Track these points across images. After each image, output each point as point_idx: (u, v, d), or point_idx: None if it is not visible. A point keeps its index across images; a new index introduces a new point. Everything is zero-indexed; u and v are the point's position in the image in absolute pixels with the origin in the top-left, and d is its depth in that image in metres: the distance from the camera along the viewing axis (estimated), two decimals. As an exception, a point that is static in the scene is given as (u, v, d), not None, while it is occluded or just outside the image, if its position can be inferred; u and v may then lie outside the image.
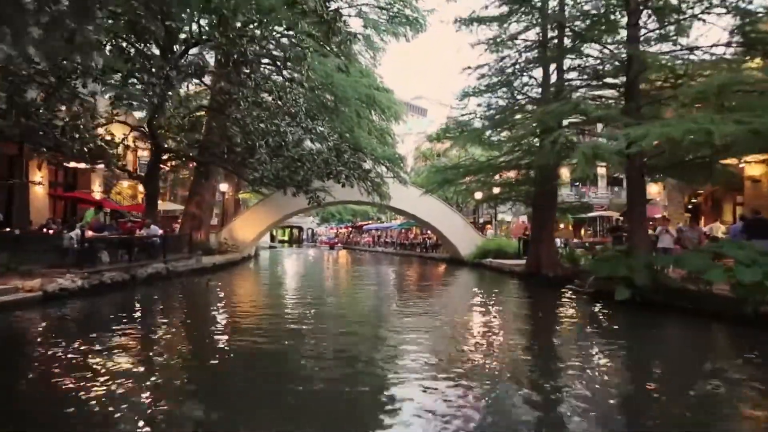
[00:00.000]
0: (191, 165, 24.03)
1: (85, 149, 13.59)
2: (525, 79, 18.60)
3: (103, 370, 5.90)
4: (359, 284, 18.60)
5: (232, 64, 14.89)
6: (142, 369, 6.21)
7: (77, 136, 12.89)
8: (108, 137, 15.30)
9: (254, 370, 6.34)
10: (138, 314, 10.24)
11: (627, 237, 13.05)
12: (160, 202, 37.55)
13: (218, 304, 12.12)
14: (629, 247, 11.96)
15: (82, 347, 7.06)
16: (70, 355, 6.60)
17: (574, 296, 13.20)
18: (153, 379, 5.80)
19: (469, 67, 17.30)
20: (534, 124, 12.17)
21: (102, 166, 23.23)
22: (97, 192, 27.88)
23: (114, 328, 8.52)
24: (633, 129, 8.69)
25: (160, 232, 16.76)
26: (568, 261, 17.73)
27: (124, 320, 9.46)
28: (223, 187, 31.29)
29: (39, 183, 23.97)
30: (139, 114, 21.64)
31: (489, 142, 19.72)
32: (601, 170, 34.53)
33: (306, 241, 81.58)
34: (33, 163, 23.37)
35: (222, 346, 7.67)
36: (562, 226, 38.27)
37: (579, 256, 18.19)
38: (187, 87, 20.09)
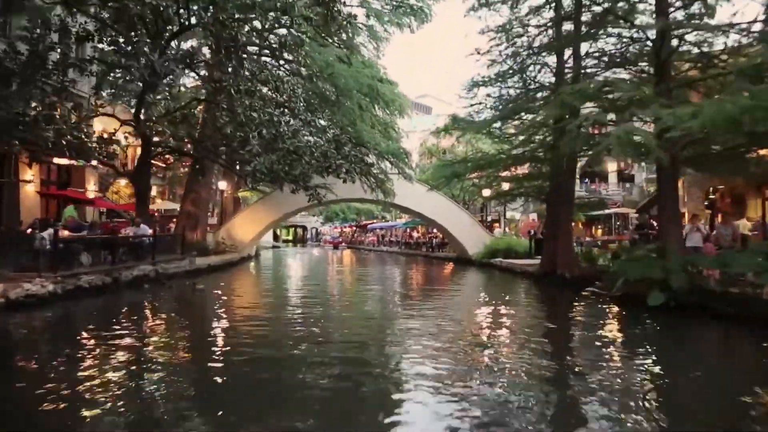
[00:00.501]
0: (188, 162, 22.93)
1: (63, 141, 12.50)
2: (538, 67, 17.44)
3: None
4: (362, 288, 17.45)
5: (224, 50, 13.79)
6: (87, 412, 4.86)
7: (53, 127, 11.79)
8: (87, 129, 14.15)
9: (234, 405, 5.17)
10: (106, 326, 9.00)
11: (658, 235, 11.82)
12: (159, 201, 36.68)
13: (203, 312, 10.98)
14: (661, 247, 10.73)
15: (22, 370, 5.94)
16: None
17: (598, 300, 11.98)
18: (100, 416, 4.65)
19: (478, 52, 16.11)
20: (556, 107, 10.90)
21: (95, 162, 22.39)
22: (91, 191, 26.95)
23: (69, 344, 7.38)
24: (679, 108, 7.49)
25: (150, 231, 15.66)
26: (586, 260, 16.50)
27: (86, 334, 8.15)
28: (222, 185, 30.24)
29: (29, 182, 23.09)
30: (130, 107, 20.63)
31: (499, 135, 18.53)
32: (612, 165, 33.33)
33: (310, 241, 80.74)
34: (24, 161, 22.46)
35: (198, 371, 6.44)
36: (572, 223, 37.01)
37: (597, 256, 16.97)
38: (181, 80, 18.98)
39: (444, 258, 32.46)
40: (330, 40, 22.14)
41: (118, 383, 5.51)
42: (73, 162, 25.14)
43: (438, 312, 11.08)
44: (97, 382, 5.46)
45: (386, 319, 10.29)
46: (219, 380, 5.79)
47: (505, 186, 22.19)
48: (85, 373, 5.78)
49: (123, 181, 35.60)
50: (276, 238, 70.54)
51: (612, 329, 9.19)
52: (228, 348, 7.40)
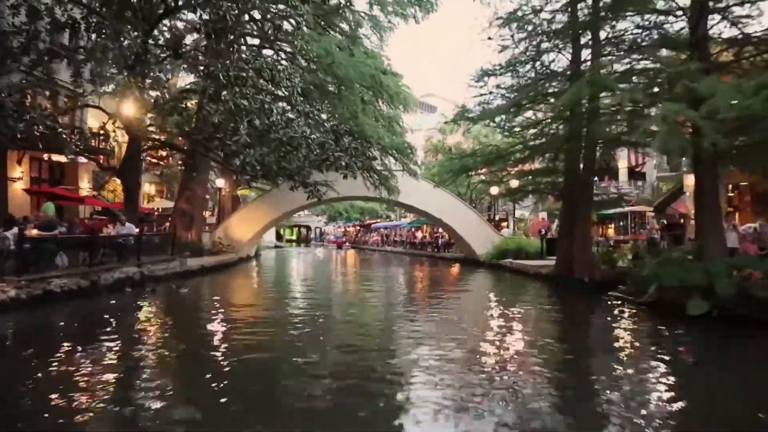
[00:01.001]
0: (184, 158, 21.82)
1: (36, 133, 11.40)
2: (552, 55, 16.25)
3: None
4: (367, 292, 16.28)
5: (213, 33, 12.65)
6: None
7: (23, 117, 10.69)
8: (69, 120, 13.03)
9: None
10: (66, 338, 7.88)
11: (697, 235, 10.57)
12: (158, 199, 35.69)
13: (178, 322, 9.77)
14: (699, 249, 9.49)
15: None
16: None
17: (625, 307, 10.74)
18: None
19: (489, 38, 14.92)
20: (584, 88, 9.63)
21: (81, 158, 21.32)
22: (85, 189, 25.93)
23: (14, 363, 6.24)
24: (753, 75, 6.27)
25: (136, 230, 14.55)
26: (605, 262, 15.27)
27: (38, 350, 6.81)
28: (220, 182, 29.18)
29: (18, 179, 22.09)
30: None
31: (510, 128, 17.29)
32: (622, 163, 31.93)
33: (314, 241, 79.79)
34: (12, 158, 21.46)
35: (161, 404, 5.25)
36: (591, 222, 35.58)
37: (616, 257, 15.73)
38: (171, 71, 17.84)
39: (450, 258, 31.23)
40: (331, 32, 21.00)
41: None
42: (61, 158, 24.28)
43: (448, 320, 9.90)
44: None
45: (392, 332, 9.08)
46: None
47: (514, 184, 21.02)
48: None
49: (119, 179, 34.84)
50: (279, 237, 69.95)
51: (651, 344, 7.88)
52: (203, 374, 6.24)
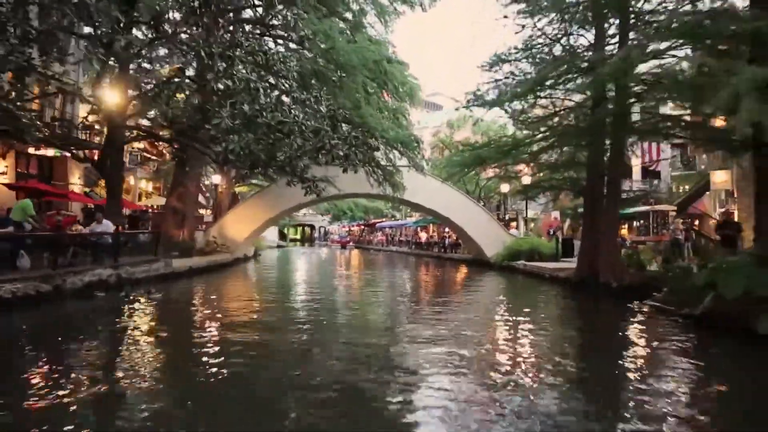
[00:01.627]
0: (173, 151, 20.42)
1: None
2: (573, 38, 14.72)
3: None
4: (371, 297, 14.83)
5: (198, 7, 11.23)
6: None
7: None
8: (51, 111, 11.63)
9: None
10: None
11: (757, 237, 9.01)
12: (155, 196, 34.35)
13: (139, 337, 8.30)
14: (763, 253, 7.93)
15: None
16: None
17: (667, 320, 9.18)
18: None
19: (506, 17, 13.40)
20: (627, 57, 8.07)
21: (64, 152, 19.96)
22: (76, 185, 24.62)
23: None
24: None
25: (113, 228, 13.14)
26: (631, 265, 13.72)
27: None
28: (216, 179, 27.81)
29: (2, 173, 20.88)
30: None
31: (525, 120, 15.71)
32: (635, 161, 30.23)
33: (318, 240, 78.79)
34: (-3, 152, 20.25)
35: None
36: (619, 222, 33.86)
37: (645, 260, 14.17)
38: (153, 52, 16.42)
39: (458, 260, 29.72)
40: (333, 19, 19.53)
41: None
42: (48, 152, 22.95)
43: (460, 332, 8.41)
44: None
45: (401, 355, 7.61)
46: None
47: (527, 180, 19.45)
48: None
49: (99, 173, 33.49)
50: (283, 237, 69.12)
51: (717, 372, 6.31)
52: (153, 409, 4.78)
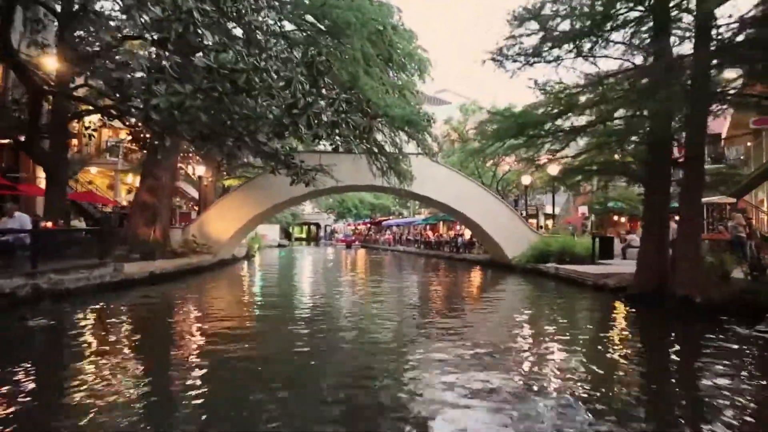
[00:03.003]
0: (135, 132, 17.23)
1: None
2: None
3: None
4: (379, 312, 11.61)
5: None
6: None
7: None
8: None
9: None
10: None
11: None
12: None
13: None
14: None
15: None
16: None
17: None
18: None
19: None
20: None
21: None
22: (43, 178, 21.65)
23: None
24: None
25: (29, 224, 10.04)
26: (715, 273, 10.36)
27: None
28: (200, 170, 24.70)
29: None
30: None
31: (563, 91, 12.27)
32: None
33: (324, 239, 76.47)
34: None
35: None
36: (619, 218, 30.48)
37: (729, 267, 10.79)
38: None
39: (473, 261, 26.41)
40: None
41: None
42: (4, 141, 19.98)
43: (492, 369, 5.20)
44: None
45: (417, 404, 4.44)
46: None
47: (553, 170, 16.03)
48: None
49: (94, 169, 30.53)
50: (288, 236, 66.64)
51: None
52: None
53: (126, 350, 6.98)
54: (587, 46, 10.83)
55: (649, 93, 9.36)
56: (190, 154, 24.54)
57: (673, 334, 8.48)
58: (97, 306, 10.08)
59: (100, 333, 7.93)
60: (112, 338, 7.72)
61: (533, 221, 31.37)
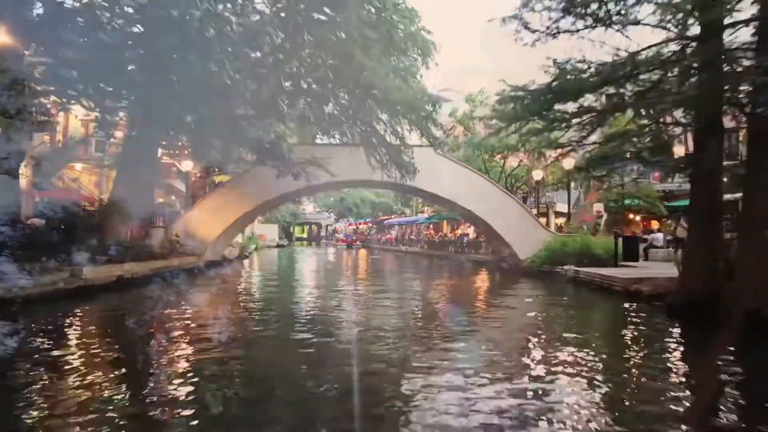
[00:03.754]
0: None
1: None
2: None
3: None
4: (381, 339, 9.79)
5: None
6: None
7: None
8: None
9: None
10: None
11: None
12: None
13: None
14: None
15: None
16: None
17: None
18: None
19: None
20: None
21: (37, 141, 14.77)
22: (26, 176, 19.97)
23: None
24: None
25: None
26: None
27: None
28: (187, 164, 23.00)
29: None
30: None
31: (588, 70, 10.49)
32: (678, 149, 24.91)
33: (326, 239, 75.20)
34: None
35: None
36: (633, 216, 28.57)
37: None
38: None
39: (480, 261, 24.70)
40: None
41: None
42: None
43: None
44: None
45: None
46: None
47: (569, 164, 14.20)
48: None
49: (80, 165, 28.86)
50: (289, 235, 65.33)
51: None
52: None
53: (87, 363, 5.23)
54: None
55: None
56: (177, 151, 22.86)
57: (747, 363, 6.66)
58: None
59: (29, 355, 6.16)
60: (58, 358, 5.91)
61: (543, 220, 29.59)
